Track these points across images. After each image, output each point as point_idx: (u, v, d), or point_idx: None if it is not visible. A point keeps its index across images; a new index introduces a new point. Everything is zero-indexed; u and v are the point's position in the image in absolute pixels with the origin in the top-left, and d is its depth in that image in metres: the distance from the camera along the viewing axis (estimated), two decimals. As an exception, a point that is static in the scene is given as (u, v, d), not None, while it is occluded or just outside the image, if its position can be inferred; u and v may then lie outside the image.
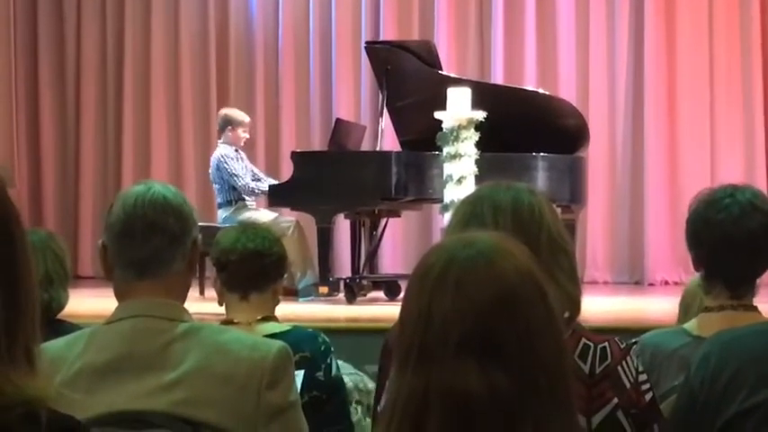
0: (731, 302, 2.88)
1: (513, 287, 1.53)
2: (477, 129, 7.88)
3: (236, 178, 8.87)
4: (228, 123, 9.11)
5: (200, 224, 2.47)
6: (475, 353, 1.50)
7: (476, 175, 7.79)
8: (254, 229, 3.32)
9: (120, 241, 2.34)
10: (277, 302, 3.37)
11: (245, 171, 9.01)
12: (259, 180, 9.07)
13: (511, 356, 1.51)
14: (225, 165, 8.89)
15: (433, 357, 1.51)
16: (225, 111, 9.42)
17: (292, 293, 8.44)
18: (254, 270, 3.26)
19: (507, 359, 1.50)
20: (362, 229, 9.13)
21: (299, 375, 3.06)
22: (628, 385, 2.28)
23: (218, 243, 3.31)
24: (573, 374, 1.59)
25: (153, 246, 2.32)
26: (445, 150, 7.90)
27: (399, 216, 9.53)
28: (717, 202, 2.83)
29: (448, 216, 7.38)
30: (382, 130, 8.83)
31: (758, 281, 2.97)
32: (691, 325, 2.98)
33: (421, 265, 1.58)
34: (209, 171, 9.13)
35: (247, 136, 9.26)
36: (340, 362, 3.93)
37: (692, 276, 3.61)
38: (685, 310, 3.65)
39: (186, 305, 2.39)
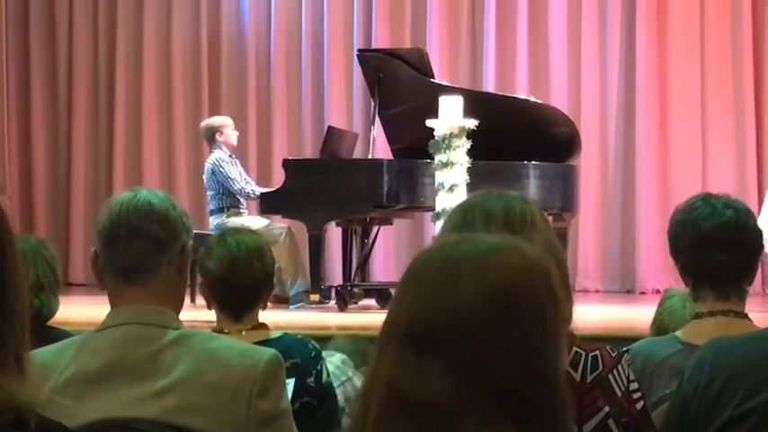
0: (720, 307, 2.92)
1: (461, 299, 1.49)
2: (468, 137, 7.89)
3: (231, 182, 8.88)
4: (215, 131, 9.12)
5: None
6: (415, 350, 1.49)
7: (467, 183, 7.80)
8: (246, 255, 3.27)
9: (106, 248, 2.34)
10: (263, 307, 3.38)
11: (240, 176, 9.02)
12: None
13: (449, 361, 1.48)
14: (220, 169, 8.90)
15: (388, 348, 1.52)
16: (205, 122, 9.45)
17: (283, 301, 8.44)
18: (248, 300, 3.27)
19: (446, 363, 1.47)
20: (354, 236, 9.13)
21: (290, 384, 3.06)
22: (619, 393, 2.28)
23: (208, 270, 3.27)
24: (550, 397, 1.51)
25: (136, 252, 2.32)
26: (437, 158, 7.90)
27: (391, 224, 9.54)
28: (690, 206, 2.99)
29: (440, 224, 7.38)
30: (374, 137, 8.84)
31: (748, 289, 3.01)
32: (682, 332, 3.01)
33: (412, 260, 1.60)
34: (204, 177, 9.13)
35: (237, 133, 9.28)
36: (334, 366, 3.96)
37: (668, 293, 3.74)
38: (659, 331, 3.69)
39: (178, 312, 2.40)
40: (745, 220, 2.95)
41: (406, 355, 1.50)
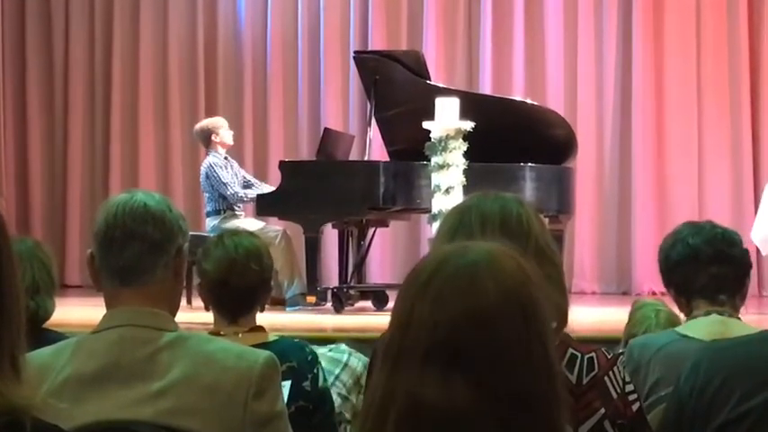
0: (715, 308, 2.99)
1: (491, 306, 1.51)
2: (465, 139, 7.89)
3: (225, 187, 8.86)
4: (210, 132, 9.10)
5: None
6: (440, 364, 1.49)
7: (464, 185, 7.80)
8: (244, 258, 3.27)
9: (102, 250, 2.34)
10: (261, 310, 3.38)
11: (235, 179, 9.00)
12: (250, 186, 9.08)
13: (478, 373, 1.48)
14: (214, 173, 8.89)
15: (403, 362, 1.51)
16: (198, 126, 9.38)
17: (280, 303, 8.43)
18: (244, 302, 3.27)
19: (474, 375, 1.48)
20: (350, 238, 9.13)
21: (286, 386, 3.05)
22: (615, 395, 2.28)
23: (206, 272, 3.27)
24: (560, 399, 1.54)
25: (131, 254, 2.32)
26: (433, 160, 7.90)
27: (387, 226, 9.53)
28: (678, 230, 3.17)
29: (436, 226, 7.38)
30: (370, 139, 8.83)
31: (740, 305, 3.09)
32: (679, 328, 3.08)
33: (414, 269, 1.58)
34: (200, 180, 9.13)
35: (232, 132, 9.26)
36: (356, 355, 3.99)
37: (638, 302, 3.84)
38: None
39: (174, 314, 2.39)
40: (731, 236, 3.11)
41: (430, 368, 1.49)
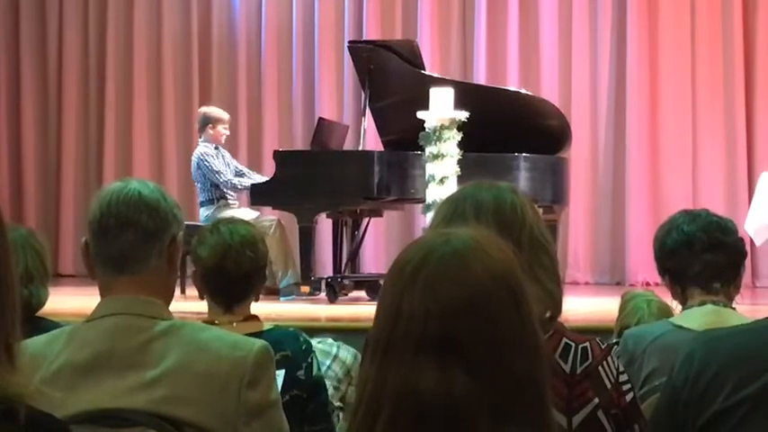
0: (710, 298, 3.00)
1: (483, 291, 1.51)
2: (459, 129, 7.88)
3: (217, 175, 8.85)
4: (208, 121, 9.09)
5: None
6: (435, 353, 1.49)
7: (458, 175, 7.80)
8: (239, 245, 3.27)
9: (96, 238, 2.34)
10: (256, 300, 3.38)
11: (227, 168, 8.99)
12: (243, 175, 9.06)
13: (474, 360, 1.48)
14: (205, 163, 8.88)
15: (394, 354, 1.51)
16: (204, 109, 9.41)
17: (274, 293, 8.43)
18: (239, 290, 3.27)
19: (470, 362, 1.48)
20: (344, 228, 9.13)
21: (280, 375, 3.06)
22: (608, 385, 2.28)
23: (201, 259, 3.27)
24: (548, 381, 1.55)
25: (125, 242, 2.32)
26: (428, 150, 7.90)
27: (381, 216, 9.54)
28: (673, 218, 3.19)
29: (430, 216, 7.38)
30: (365, 129, 8.83)
31: (735, 295, 3.10)
32: (673, 319, 3.09)
33: (398, 260, 1.57)
34: (191, 170, 9.11)
35: (228, 133, 9.23)
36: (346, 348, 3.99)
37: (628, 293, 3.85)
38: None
39: (168, 303, 2.39)
40: (726, 224, 3.12)
41: (424, 358, 1.49)
